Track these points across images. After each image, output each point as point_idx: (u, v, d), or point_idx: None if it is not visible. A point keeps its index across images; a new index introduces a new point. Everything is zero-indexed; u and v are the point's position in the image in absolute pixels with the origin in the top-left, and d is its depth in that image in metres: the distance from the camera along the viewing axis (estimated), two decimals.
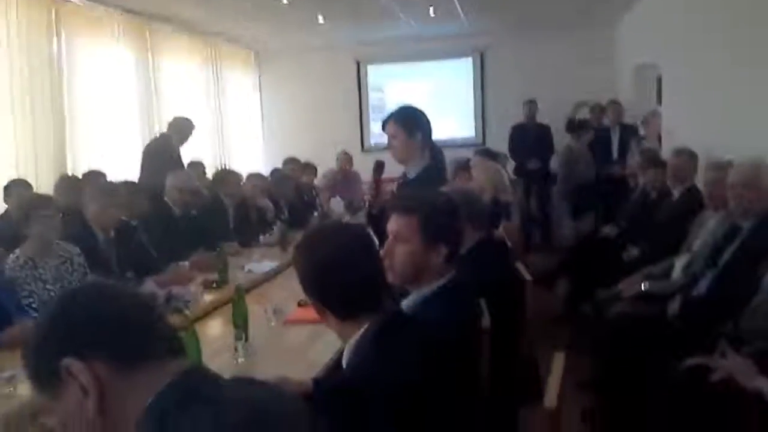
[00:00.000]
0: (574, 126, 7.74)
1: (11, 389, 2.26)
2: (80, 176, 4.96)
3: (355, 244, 1.65)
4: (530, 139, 7.87)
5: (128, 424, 0.96)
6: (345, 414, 1.31)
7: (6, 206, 4.42)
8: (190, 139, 6.02)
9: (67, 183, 4.66)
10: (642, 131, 6.88)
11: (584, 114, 7.85)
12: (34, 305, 3.09)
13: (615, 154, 7.15)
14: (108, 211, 3.68)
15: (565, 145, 7.28)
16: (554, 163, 8.01)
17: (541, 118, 8.02)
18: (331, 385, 1.63)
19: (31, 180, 4.85)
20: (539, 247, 7.42)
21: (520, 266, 3.04)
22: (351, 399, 1.45)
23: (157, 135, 6.15)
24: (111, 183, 4.07)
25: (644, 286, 3.78)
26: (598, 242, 5.45)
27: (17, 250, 3.18)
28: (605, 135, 7.32)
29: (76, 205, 4.00)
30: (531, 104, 7.96)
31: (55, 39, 5.62)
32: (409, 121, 3.13)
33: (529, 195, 7.80)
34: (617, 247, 4.90)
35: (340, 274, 1.59)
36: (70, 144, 5.70)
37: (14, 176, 4.82)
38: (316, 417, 1.11)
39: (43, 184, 5.04)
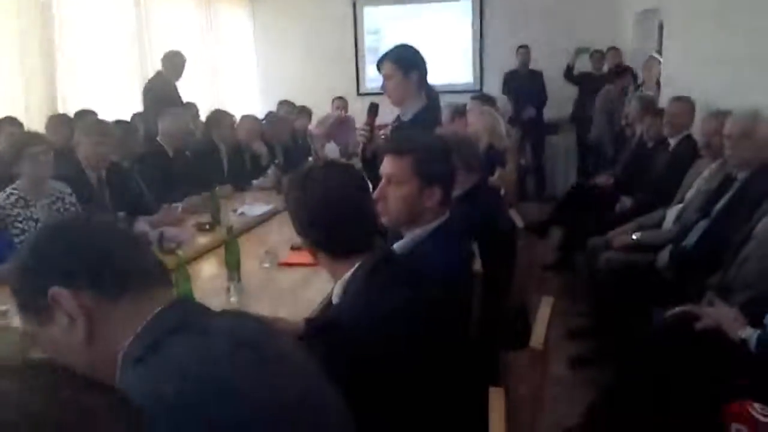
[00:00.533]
0: (572, 73, 7.65)
1: (5, 323, 2.28)
2: (71, 115, 4.90)
3: (347, 183, 1.65)
4: (524, 86, 7.79)
5: (115, 352, 0.96)
6: (334, 348, 1.33)
7: None
8: (184, 74, 5.96)
9: (58, 122, 4.61)
10: (641, 78, 6.80)
11: (584, 61, 7.72)
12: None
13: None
14: (99, 151, 3.64)
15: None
16: (548, 112, 7.95)
17: (539, 65, 7.90)
18: (321, 322, 1.65)
19: (21, 119, 4.79)
20: (533, 197, 7.43)
21: (513, 213, 3.04)
22: (340, 334, 1.47)
23: (153, 74, 6.05)
24: (103, 122, 4.00)
25: (635, 235, 3.80)
26: (592, 191, 5.44)
27: (8, 188, 3.16)
28: (603, 81, 7.22)
29: (67, 145, 3.97)
30: (523, 50, 7.84)
31: None
32: (406, 61, 3.07)
33: (524, 143, 7.75)
34: (612, 197, 4.91)
35: (332, 212, 1.59)
36: (61, 83, 5.60)
37: (3, 114, 4.75)
38: (307, 352, 1.13)
39: (34, 123, 4.97)
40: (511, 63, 8.07)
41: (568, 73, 7.68)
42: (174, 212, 3.93)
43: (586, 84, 7.52)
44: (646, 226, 3.94)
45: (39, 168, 3.14)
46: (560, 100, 7.89)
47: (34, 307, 0.99)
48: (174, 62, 5.86)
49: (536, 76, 7.83)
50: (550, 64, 7.85)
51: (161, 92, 5.63)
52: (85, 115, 4.74)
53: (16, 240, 3.06)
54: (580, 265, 4.16)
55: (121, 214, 3.47)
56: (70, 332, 0.97)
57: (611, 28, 7.88)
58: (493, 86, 8.18)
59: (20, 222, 3.11)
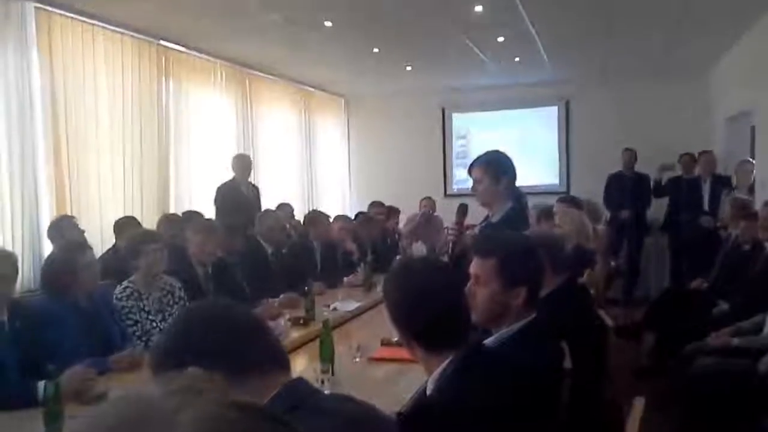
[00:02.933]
0: (660, 190, 7.59)
1: None
2: (181, 215, 5.30)
3: (441, 279, 1.74)
4: (627, 188, 7.76)
5: None
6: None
7: (114, 241, 4.76)
8: (283, 177, 6.34)
9: (169, 220, 5.00)
10: (734, 182, 6.70)
11: (671, 174, 7.66)
12: (137, 333, 3.33)
13: (706, 205, 6.96)
14: (208, 248, 3.93)
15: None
16: (651, 213, 7.87)
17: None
18: (413, 413, 1.71)
19: (137, 218, 5.23)
20: (621, 300, 7.24)
21: (602, 313, 3.04)
22: (434, 422, 1.53)
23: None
24: (210, 221, 4.34)
25: (735, 341, 3.69)
26: (686, 295, 5.31)
27: (125, 282, 3.45)
28: (695, 185, 7.14)
29: (176, 241, 4.30)
30: (629, 152, 7.85)
31: (164, 84, 6.09)
32: (496, 166, 3.19)
33: (620, 245, 7.63)
34: (707, 301, 4.78)
35: (427, 305, 1.67)
36: (174, 184, 6.12)
37: (122, 214, 5.21)
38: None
39: (148, 222, 5.41)
40: (598, 165, 8.11)
41: (657, 190, 7.64)
42: (272, 307, 4.12)
43: (677, 188, 7.44)
44: (745, 331, 3.81)
45: (154, 263, 3.42)
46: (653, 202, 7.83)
47: None
48: (239, 163, 6.31)
49: (641, 178, 7.79)
50: (638, 169, 7.85)
51: (229, 191, 6.07)
52: (194, 214, 5.12)
53: (130, 330, 3.30)
54: (675, 370, 4.03)
55: None
56: None
57: (703, 132, 7.86)
58: (580, 188, 8.21)
59: (134, 314, 3.36)
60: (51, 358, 2.42)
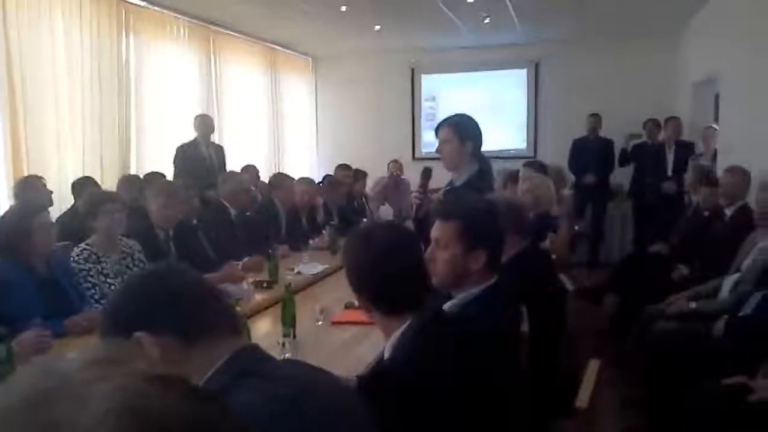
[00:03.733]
0: (626, 157, 7.64)
1: None
2: (142, 176, 5.20)
3: (400, 243, 1.74)
4: (591, 153, 7.81)
5: None
6: (384, 403, 1.39)
7: (73, 202, 4.65)
8: (248, 137, 6.24)
9: (130, 182, 4.90)
10: (699, 149, 6.78)
11: (636, 141, 7.69)
12: (95, 296, 3.27)
13: (669, 170, 7.04)
14: (168, 210, 3.86)
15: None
16: (614, 178, 7.94)
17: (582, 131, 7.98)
18: (373, 374, 1.71)
19: (96, 178, 5.11)
20: (585, 264, 7.35)
21: (563, 277, 3.07)
22: (390, 389, 1.53)
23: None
24: (171, 183, 4.25)
25: (692, 304, 3.76)
26: (648, 259, 5.40)
27: (82, 244, 3.37)
28: (660, 151, 7.21)
29: (137, 203, 4.21)
30: (594, 117, 7.87)
31: (124, 40, 5.89)
32: (463, 129, 3.19)
33: (585, 210, 7.71)
34: (667, 265, 4.86)
35: (385, 270, 1.67)
36: (135, 144, 5.98)
37: (81, 174, 5.08)
38: (361, 399, 1.21)
39: (108, 182, 5.29)
40: (565, 130, 8.15)
41: (622, 158, 7.70)
42: (234, 269, 4.08)
43: (642, 153, 7.50)
44: (702, 295, 3.89)
45: (113, 225, 3.35)
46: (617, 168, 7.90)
47: None
48: (203, 124, 6.22)
49: (606, 143, 7.83)
50: (604, 134, 7.89)
51: (187, 154, 6.00)
52: (155, 176, 5.02)
53: (87, 293, 3.24)
54: (635, 333, 4.11)
55: None
56: None
57: (670, 97, 7.92)
58: (547, 153, 8.26)
59: (92, 276, 3.29)
60: (5, 322, 2.36)
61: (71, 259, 3.28)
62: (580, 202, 7.47)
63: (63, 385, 0.55)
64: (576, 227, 6.77)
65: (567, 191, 6.76)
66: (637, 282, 4.88)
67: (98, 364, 0.58)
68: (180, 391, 0.58)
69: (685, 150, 6.97)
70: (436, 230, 2.08)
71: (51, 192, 4.47)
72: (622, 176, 7.93)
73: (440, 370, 1.54)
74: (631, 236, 7.91)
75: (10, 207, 3.68)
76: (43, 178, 4.53)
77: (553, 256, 3.66)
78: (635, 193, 7.62)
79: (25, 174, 4.72)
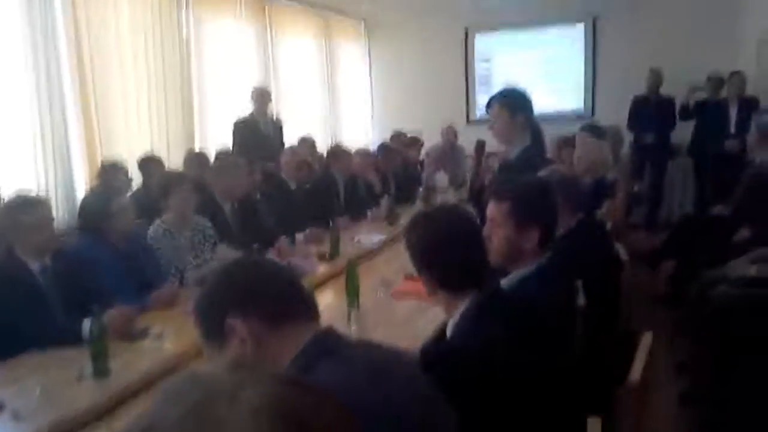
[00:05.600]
0: (687, 113, 7.42)
1: (159, 345, 2.62)
2: (206, 152, 5.39)
3: (462, 225, 1.86)
4: (651, 112, 7.58)
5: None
6: (448, 377, 1.50)
7: (141, 179, 4.89)
8: (304, 107, 6.29)
9: (195, 158, 5.10)
10: (765, 105, 6.56)
11: (701, 96, 7.43)
12: (171, 271, 3.49)
13: (732, 128, 6.85)
14: (232, 187, 4.04)
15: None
16: (675, 137, 7.74)
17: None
18: (437, 352, 1.84)
19: (162, 154, 5.34)
20: (643, 225, 7.25)
21: (619, 247, 3.11)
22: (452, 363, 1.65)
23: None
24: (235, 158, 4.42)
25: (752, 270, 3.73)
26: (707, 222, 5.32)
27: (157, 221, 3.59)
28: (722, 108, 7.01)
29: (202, 180, 4.41)
30: (654, 73, 7.59)
31: (183, 17, 6.06)
32: (512, 103, 3.24)
33: (643, 170, 7.58)
34: (728, 228, 4.79)
35: (449, 251, 1.79)
36: (198, 119, 6.18)
37: (148, 150, 5.32)
38: (426, 376, 1.33)
39: (174, 159, 5.52)
40: (624, 88, 7.96)
41: (683, 113, 7.43)
42: (285, 248, 4.11)
43: (704, 110, 7.30)
44: (765, 258, 3.85)
45: (185, 204, 3.56)
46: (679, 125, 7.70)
47: (214, 335, 1.25)
48: (260, 97, 6.26)
49: (666, 101, 7.59)
50: (666, 91, 7.69)
51: (244, 129, 6.08)
52: (219, 152, 5.20)
53: (164, 269, 3.46)
54: (692, 298, 4.11)
55: (255, 246, 3.78)
56: (242, 354, 1.22)
57: (733, 52, 7.64)
58: (606, 112, 8.11)
59: (167, 252, 3.52)
60: (93, 298, 2.56)
61: (148, 236, 3.50)
62: (639, 162, 7.35)
63: (213, 393, 0.67)
64: (634, 188, 6.71)
65: (624, 151, 6.67)
66: (696, 245, 4.84)
67: (234, 369, 0.71)
68: (308, 388, 0.71)
69: (749, 107, 6.76)
70: (491, 210, 2.18)
71: (131, 179, 4.70)
72: (682, 134, 7.74)
73: (501, 349, 1.65)
74: (691, 196, 7.76)
75: (92, 190, 3.92)
76: (123, 163, 4.75)
77: (608, 224, 3.69)
78: (696, 152, 7.43)
79: (98, 154, 4.98)
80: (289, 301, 1.28)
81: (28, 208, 2.77)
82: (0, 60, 4.50)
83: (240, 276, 1.31)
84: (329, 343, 1.25)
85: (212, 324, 1.25)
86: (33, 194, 3.08)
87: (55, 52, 4.78)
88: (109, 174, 4.50)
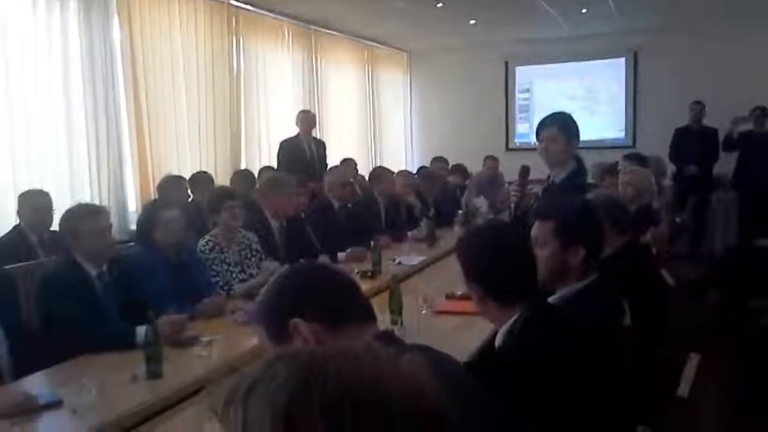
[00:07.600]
0: (731, 144, 7.34)
1: (208, 352, 2.68)
2: (252, 170, 5.53)
3: (512, 238, 1.92)
4: (694, 143, 7.55)
5: None
6: (494, 385, 1.53)
7: (191, 195, 5.03)
8: (347, 132, 6.44)
9: (242, 176, 5.23)
10: None
11: (744, 128, 7.38)
12: (219, 283, 3.58)
13: None
14: (285, 204, 4.14)
15: None
16: (718, 168, 7.67)
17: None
18: (486, 359, 1.87)
19: (210, 172, 5.49)
20: (686, 256, 7.15)
21: (664, 272, 3.10)
22: (503, 373, 1.68)
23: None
24: (288, 177, 4.50)
25: None
26: (753, 252, 5.25)
27: (207, 236, 3.69)
28: (767, 140, 6.93)
29: (249, 197, 4.52)
30: (698, 105, 7.62)
31: (234, 44, 6.29)
32: (569, 128, 3.21)
33: (686, 201, 7.51)
34: None
35: (502, 262, 1.82)
36: (244, 140, 6.35)
37: (197, 168, 5.47)
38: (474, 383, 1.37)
39: (221, 177, 5.67)
40: (665, 118, 7.93)
41: (727, 144, 7.38)
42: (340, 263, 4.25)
43: (748, 143, 7.22)
44: None
45: (233, 219, 3.65)
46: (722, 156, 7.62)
47: (278, 336, 1.30)
48: (304, 120, 6.38)
49: (709, 133, 7.57)
50: (709, 122, 7.63)
51: (290, 147, 6.21)
52: (266, 170, 5.33)
53: (213, 280, 3.55)
54: (737, 328, 4.06)
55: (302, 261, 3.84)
56: None
57: None
58: (647, 142, 8.07)
59: (216, 265, 3.62)
60: (145, 305, 2.65)
61: (198, 249, 3.60)
62: (681, 193, 7.29)
63: (315, 360, 0.71)
64: (677, 219, 6.64)
65: (667, 182, 6.63)
66: (741, 276, 4.78)
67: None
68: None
69: None
70: (535, 229, 2.19)
71: (189, 195, 4.86)
72: (726, 166, 7.65)
73: (549, 360, 1.67)
74: (734, 228, 7.63)
75: (149, 201, 4.06)
76: (184, 178, 4.90)
77: (654, 250, 3.67)
78: (740, 184, 7.36)
79: (149, 171, 5.16)
80: (348, 303, 1.33)
81: (88, 216, 2.89)
82: (62, 85, 4.75)
83: (301, 279, 1.37)
84: (388, 345, 1.30)
85: (276, 325, 1.31)
86: (93, 203, 3.21)
87: (113, 73, 5.01)
88: (169, 186, 4.65)
